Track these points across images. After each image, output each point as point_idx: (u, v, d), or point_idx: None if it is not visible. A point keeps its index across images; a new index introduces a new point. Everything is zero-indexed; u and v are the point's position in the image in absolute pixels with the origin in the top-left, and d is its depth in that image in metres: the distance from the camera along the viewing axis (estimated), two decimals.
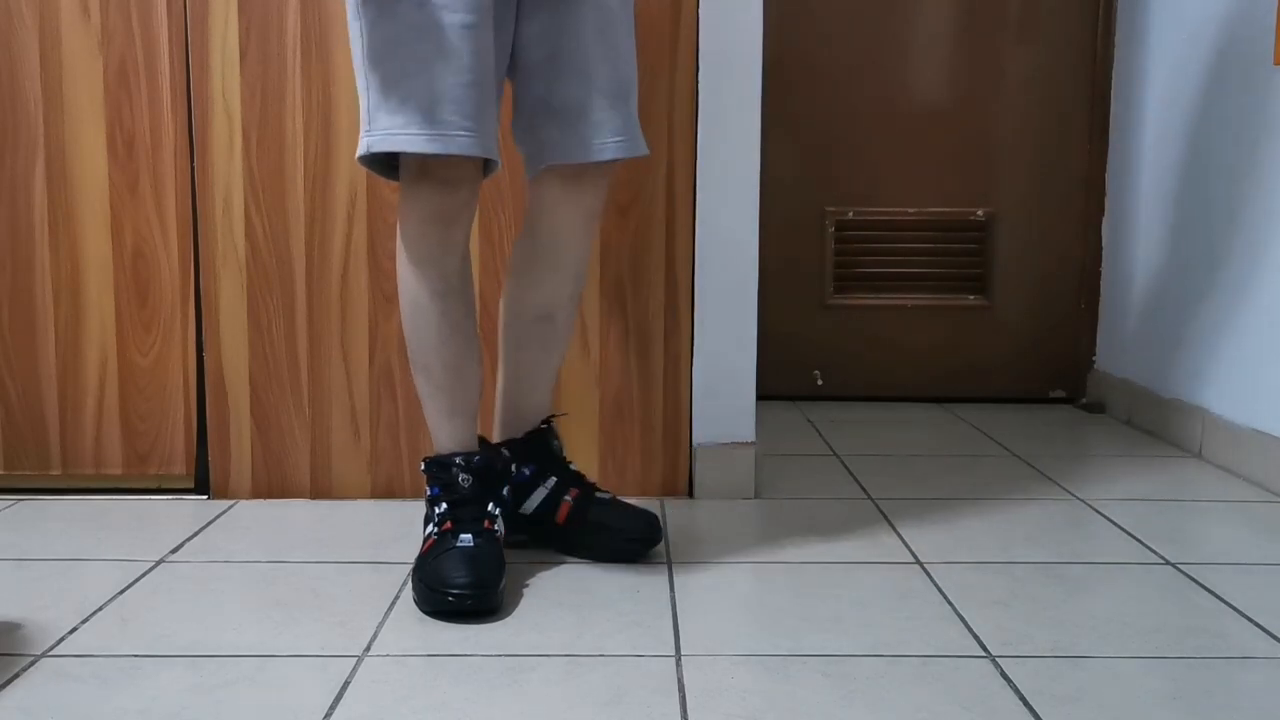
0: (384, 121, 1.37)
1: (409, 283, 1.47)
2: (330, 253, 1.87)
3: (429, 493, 1.52)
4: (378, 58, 1.36)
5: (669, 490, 1.92)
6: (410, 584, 1.47)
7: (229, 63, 1.83)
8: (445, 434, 1.52)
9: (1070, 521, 1.80)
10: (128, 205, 1.87)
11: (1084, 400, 2.79)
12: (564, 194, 1.51)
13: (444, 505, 1.48)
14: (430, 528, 1.49)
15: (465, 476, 1.48)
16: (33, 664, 1.25)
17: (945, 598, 1.46)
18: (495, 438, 1.65)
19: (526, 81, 1.49)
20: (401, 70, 1.34)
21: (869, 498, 1.94)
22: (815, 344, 2.82)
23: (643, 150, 1.53)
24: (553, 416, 1.64)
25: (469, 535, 1.43)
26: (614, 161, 1.50)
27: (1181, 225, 2.39)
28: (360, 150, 1.41)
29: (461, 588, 1.36)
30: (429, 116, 1.34)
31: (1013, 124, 2.77)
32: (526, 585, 1.50)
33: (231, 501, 1.89)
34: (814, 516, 1.82)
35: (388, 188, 1.84)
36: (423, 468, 1.53)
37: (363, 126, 1.41)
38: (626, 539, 1.58)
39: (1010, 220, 2.79)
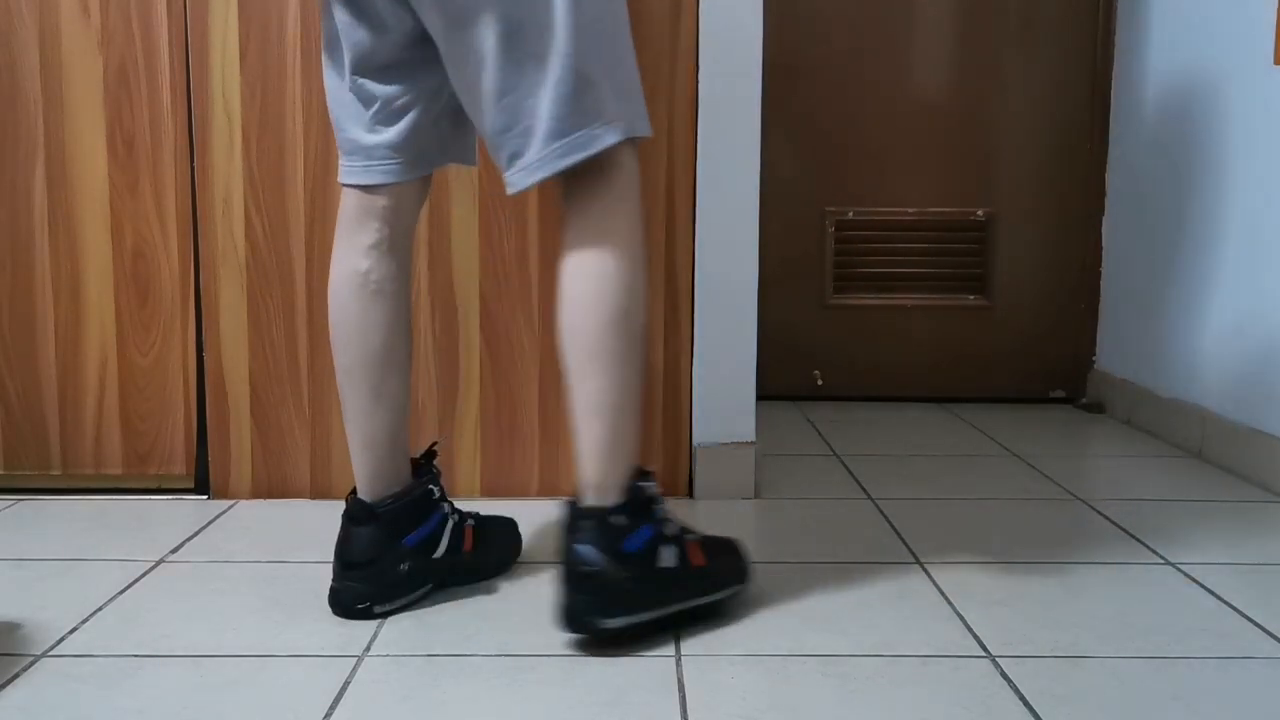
0: (620, 108, 1.28)
1: (641, 259, 1.32)
2: (330, 253, 1.86)
3: (655, 513, 1.35)
4: (610, 43, 1.28)
5: (669, 490, 1.92)
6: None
7: (229, 63, 1.83)
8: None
9: (1070, 521, 1.80)
10: (128, 205, 1.87)
11: (1084, 400, 2.79)
12: None
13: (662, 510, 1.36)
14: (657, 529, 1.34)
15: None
16: (33, 664, 1.25)
17: (945, 598, 1.46)
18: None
19: None
20: (626, 55, 1.30)
21: (869, 498, 1.94)
22: (815, 344, 2.82)
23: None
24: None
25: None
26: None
27: (1182, 225, 2.39)
28: (615, 138, 1.26)
29: None
30: (640, 99, 1.32)
31: (1013, 124, 2.77)
32: (525, 586, 1.50)
33: (231, 501, 1.89)
34: (814, 516, 1.82)
35: None
36: (645, 488, 1.36)
37: (581, 117, 1.26)
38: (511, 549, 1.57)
39: (1010, 220, 2.79)
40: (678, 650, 1.30)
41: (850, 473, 2.11)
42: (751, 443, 1.91)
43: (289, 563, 1.59)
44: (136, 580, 1.52)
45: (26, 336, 1.89)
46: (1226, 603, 1.45)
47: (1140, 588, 1.51)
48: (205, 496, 1.91)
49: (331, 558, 1.42)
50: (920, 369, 2.82)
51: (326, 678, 1.22)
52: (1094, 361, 2.80)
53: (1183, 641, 1.33)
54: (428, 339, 1.88)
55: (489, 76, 1.26)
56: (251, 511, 1.84)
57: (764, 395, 2.70)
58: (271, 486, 1.90)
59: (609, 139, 1.27)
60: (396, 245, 1.43)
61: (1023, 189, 2.78)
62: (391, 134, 1.37)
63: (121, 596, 1.46)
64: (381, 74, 1.35)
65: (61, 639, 1.32)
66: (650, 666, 1.25)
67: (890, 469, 2.14)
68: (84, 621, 1.37)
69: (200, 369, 1.89)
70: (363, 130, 1.38)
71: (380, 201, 1.40)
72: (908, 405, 2.76)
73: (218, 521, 1.78)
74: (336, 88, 1.40)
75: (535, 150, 1.27)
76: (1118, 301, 2.70)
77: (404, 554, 1.41)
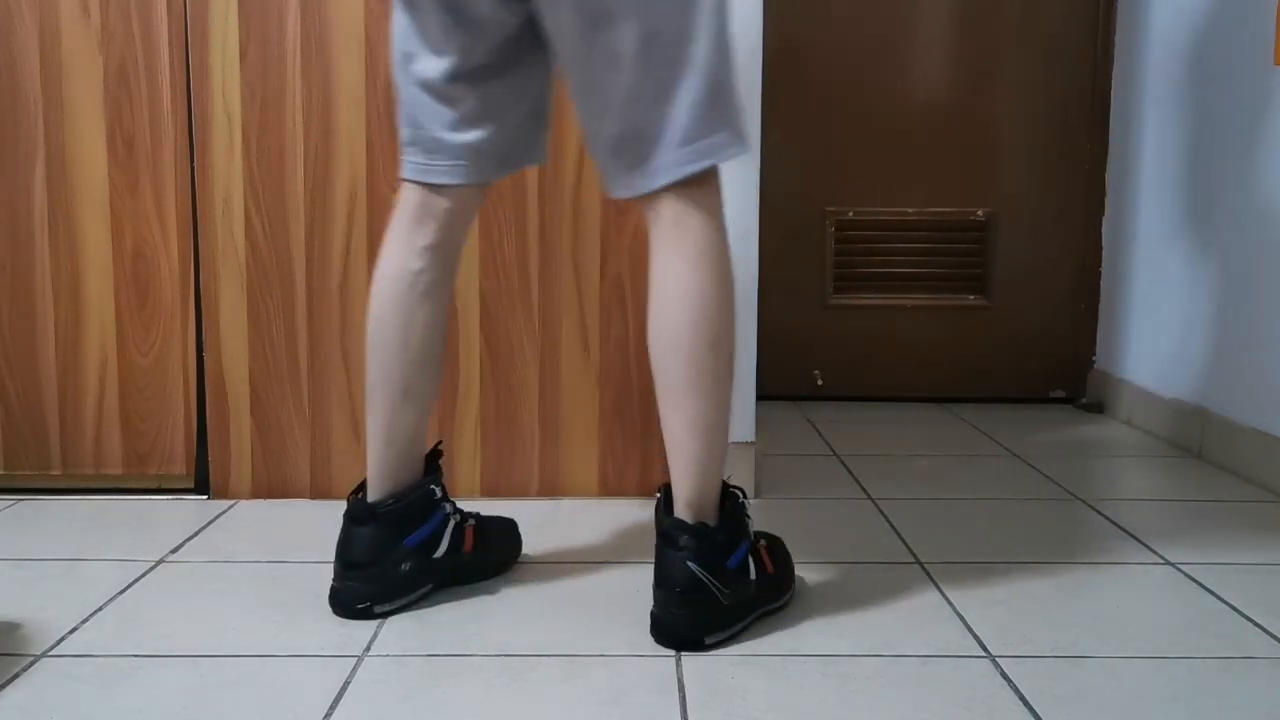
0: (741, 121, 1.31)
1: (732, 278, 1.34)
2: (330, 253, 1.87)
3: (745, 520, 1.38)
4: (732, 56, 1.30)
5: None
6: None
7: (229, 63, 1.83)
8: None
9: (1070, 521, 1.80)
10: (128, 205, 1.87)
11: (1084, 400, 2.79)
12: None
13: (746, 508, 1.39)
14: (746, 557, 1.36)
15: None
16: (33, 664, 1.25)
17: (945, 598, 1.46)
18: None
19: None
20: (734, 69, 1.32)
21: (869, 498, 1.94)
22: (815, 344, 2.82)
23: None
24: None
25: None
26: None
27: (1182, 225, 2.39)
28: (738, 149, 1.30)
29: None
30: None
31: (1013, 124, 2.77)
32: (525, 586, 1.50)
33: (231, 501, 1.89)
34: (814, 516, 1.82)
35: (387, 187, 1.85)
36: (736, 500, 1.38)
37: (712, 126, 1.28)
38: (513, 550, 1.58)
39: (1010, 220, 2.79)
40: (678, 650, 1.30)
41: (850, 473, 2.11)
42: (751, 443, 1.91)
43: (289, 563, 1.59)
44: (136, 580, 1.52)
45: (26, 336, 1.89)
46: (1226, 603, 1.45)
47: (1140, 588, 1.51)
48: (205, 496, 1.92)
49: (331, 558, 1.42)
50: (920, 369, 2.82)
51: (326, 678, 1.22)
52: (1094, 361, 2.80)
53: (1183, 641, 1.33)
54: None
55: (623, 79, 1.25)
56: (251, 511, 1.84)
57: (764, 395, 2.71)
58: (271, 486, 1.90)
59: (735, 149, 1.29)
60: (450, 251, 1.43)
61: (1023, 189, 2.78)
62: (475, 135, 1.37)
63: (121, 596, 1.46)
64: (474, 76, 1.35)
65: (61, 639, 1.32)
66: (650, 666, 1.25)
67: (890, 469, 2.14)
68: (84, 621, 1.37)
69: (200, 369, 1.89)
70: (445, 129, 1.37)
71: (443, 203, 1.40)
72: (908, 405, 2.76)
73: (218, 521, 1.78)
74: (413, 86, 1.37)
75: (666, 155, 1.27)
76: (1118, 301, 2.70)
77: (405, 554, 1.41)
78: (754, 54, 1.84)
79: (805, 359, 2.82)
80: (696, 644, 1.30)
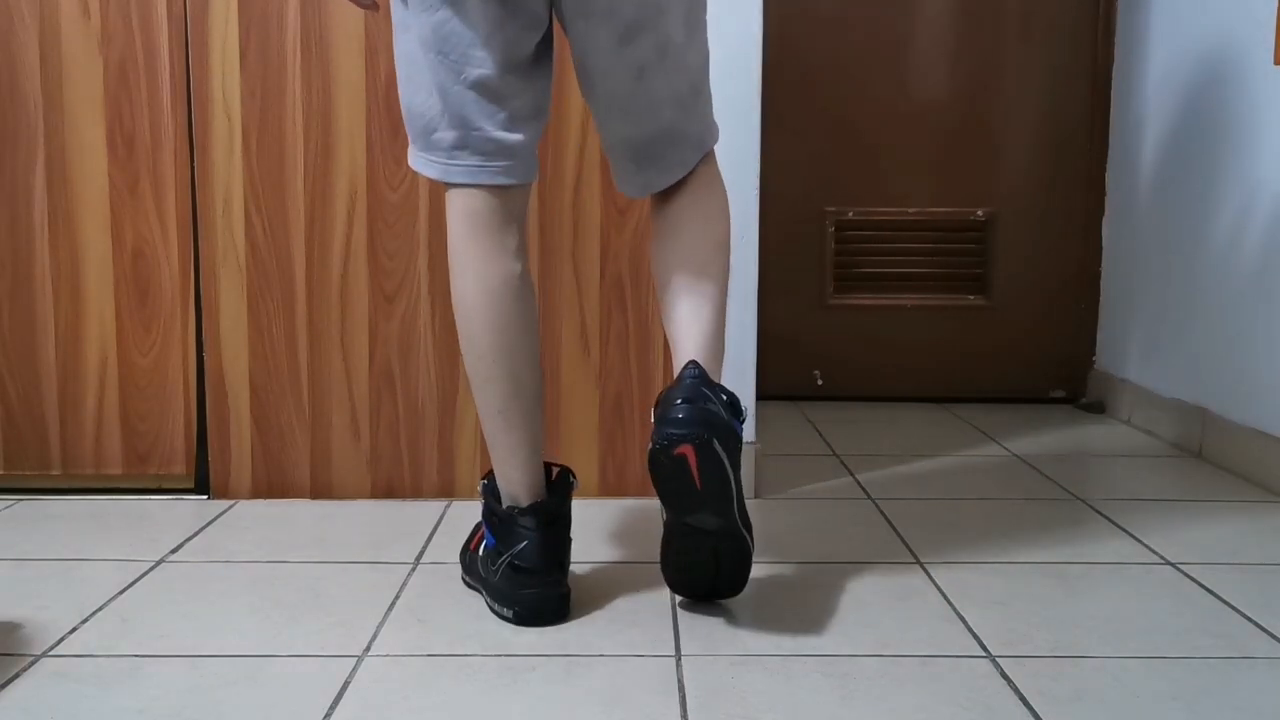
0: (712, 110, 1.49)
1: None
2: (330, 253, 1.87)
3: None
4: (708, 57, 1.47)
5: None
6: None
7: (229, 63, 1.83)
8: None
9: (1070, 521, 1.80)
10: (128, 205, 1.87)
11: (1084, 400, 2.79)
12: None
13: None
14: None
15: None
16: (33, 664, 1.25)
17: (945, 598, 1.46)
18: None
19: None
20: None
21: (869, 498, 1.94)
22: (815, 344, 2.82)
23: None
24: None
25: None
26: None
27: (1182, 225, 2.39)
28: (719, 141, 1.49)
29: None
30: None
31: (1013, 124, 2.77)
32: None
33: (231, 501, 1.89)
34: (814, 516, 1.82)
35: (387, 186, 1.85)
36: None
37: (710, 118, 1.46)
38: None
39: (1010, 220, 2.79)
40: (678, 650, 1.30)
41: (850, 473, 2.11)
42: (752, 443, 1.91)
43: (289, 563, 1.59)
44: (136, 580, 1.52)
45: (26, 336, 1.89)
46: (1226, 603, 1.45)
47: (1140, 588, 1.51)
48: (205, 496, 1.92)
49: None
50: (920, 369, 2.82)
51: (326, 678, 1.22)
52: (1094, 361, 2.80)
53: (1183, 641, 1.33)
54: (428, 339, 1.88)
55: (647, 87, 1.37)
56: (251, 511, 1.84)
57: (764, 395, 2.70)
58: (271, 486, 1.90)
59: (716, 134, 1.48)
60: (526, 247, 1.46)
61: (1023, 189, 2.78)
62: (529, 132, 1.39)
63: (121, 596, 1.46)
64: (522, 70, 1.36)
65: (61, 639, 1.32)
66: (650, 666, 1.25)
67: (890, 469, 2.14)
68: (84, 621, 1.37)
69: (200, 369, 1.89)
70: (499, 129, 1.36)
71: (518, 202, 1.41)
72: (908, 405, 2.76)
73: (218, 521, 1.78)
74: (464, 88, 1.34)
75: (681, 153, 1.42)
76: (1118, 301, 2.70)
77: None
78: (753, 54, 1.84)
79: (805, 359, 2.82)
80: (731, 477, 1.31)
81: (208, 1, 1.82)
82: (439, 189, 1.85)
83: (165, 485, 1.93)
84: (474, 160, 1.36)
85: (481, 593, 1.44)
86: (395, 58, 1.40)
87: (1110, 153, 2.74)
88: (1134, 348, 2.60)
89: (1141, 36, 2.58)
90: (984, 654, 1.29)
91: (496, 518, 1.41)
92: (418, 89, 1.37)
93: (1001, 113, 2.76)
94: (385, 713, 1.14)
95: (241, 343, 1.88)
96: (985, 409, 2.72)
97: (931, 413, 2.69)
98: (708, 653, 1.29)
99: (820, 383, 2.83)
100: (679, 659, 1.27)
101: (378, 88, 1.83)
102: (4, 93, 1.84)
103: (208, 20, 1.82)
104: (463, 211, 1.38)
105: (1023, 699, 1.18)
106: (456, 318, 1.41)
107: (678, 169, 1.42)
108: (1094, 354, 2.80)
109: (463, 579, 1.51)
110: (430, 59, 1.34)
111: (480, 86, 1.34)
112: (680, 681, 1.22)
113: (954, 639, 1.33)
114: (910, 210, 2.78)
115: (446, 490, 1.91)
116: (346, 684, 1.21)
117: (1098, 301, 2.79)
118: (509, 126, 1.36)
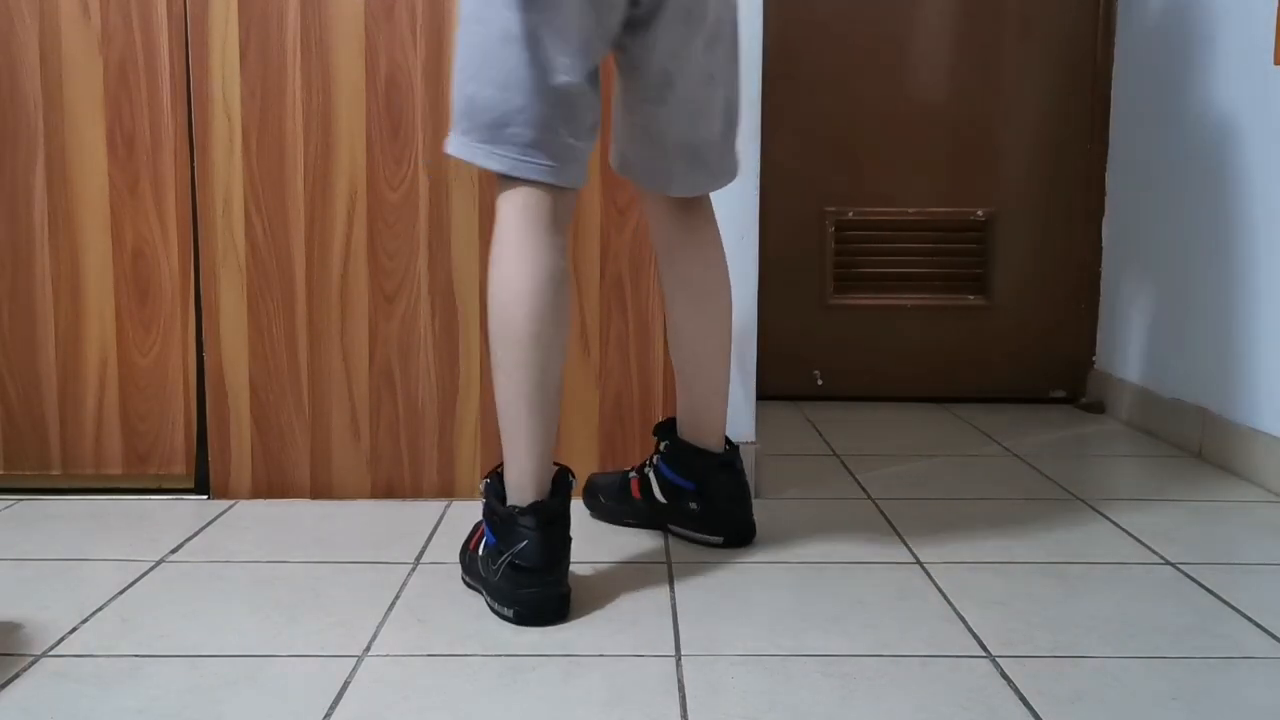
0: None
1: None
2: (330, 253, 1.87)
3: None
4: None
5: None
6: None
7: (229, 63, 1.83)
8: None
9: (1070, 521, 1.80)
10: (128, 205, 1.87)
11: (1084, 400, 2.79)
12: None
13: None
14: None
15: None
16: (33, 664, 1.25)
17: (945, 598, 1.46)
18: None
19: None
20: None
21: (869, 498, 1.94)
22: (815, 344, 2.82)
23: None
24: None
25: None
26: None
27: (1181, 225, 2.39)
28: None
29: None
30: None
31: (1013, 124, 2.77)
32: None
33: (231, 501, 1.89)
34: (814, 516, 1.82)
35: (387, 186, 1.85)
36: None
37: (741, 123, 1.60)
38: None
39: (1010, 220, 2.79)
40: (678, 650, 1.30)
41: (850, 473, 2.11)
42: (752, 443, 1.91)
43: (289, 563, 1.59)
44: (136, 580, 1.52)
45: (26, 336, 1.89)
46: (1226, 603, 1.45)
47: (1140, 588, 1.51)
48: (205, 496, 1.92)
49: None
50: (920, 369, 2.82)
51: (326, 678, 1.22)
52: (1094, 361, 2.80)
53: (1183, 641, 1.33)
54: (427, 339, 1.88)
55: (718, 93, 1.52)
56: (251, 511, 1.84)
57: (764, 395, 2.70)
58: (271, 486, 1.90)
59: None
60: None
61: (1023, 189, 2.78)
62: (593, 142, 1.46)
63: (121, 596, 1.46)
64: (594, 81, 1.42)
65: (61, 639, 1.32)
66: (650, 666, 1.25)
67: (890, 469, 2.14)
68: (84, 621, 1.37)
69: (200, 369, 1.89)
70: (574, 137, 1.40)
71: (571, 204, 1.45)
72: (908, 405, 2.76)
73: (218, 521, 1.78)
74: (551, 96, 1.36)
75: (730, 158, 1.58)
76: (1118, 301, 2.70)
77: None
78: (754, 54, 1.84)
79: (805, 359, 2.82)
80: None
81: (208, 1, 1.82)
82: (439, 189, 1.85)
83: (165, 485, 1.93)
84: (547, 160, 1.39)
85: (481, 592, 1.44)
86: (460, 47, 1.40)
87: (1110, 153, 2.74)
88: (1134, 348, 2.60)
89: (1141, 35, 2.58)
90: (984, 654, 1.29)
91: (497, 517, 1.41)
92: (488, 82, 1.37)
93: (1001, 113, 2.76)
94: (385, 713, 1.14)
95: (241, 343, 1.88)
96: (985, 409, 2.72)
97: (931, 413, 2.69)
98: (708, 653, 1.29)
99: (820, 383, 2.83)
100: (679, 659, 1.27)
101: (378, 88, 1.83)
102: (4, 93, 1.84)
103: (208, 20, 1.82)
104: (522, 206, 1.40)
105: (1023, 699, 1.18)
106: (492, 305, 1.41)
107: (723, 176, 1.57)
108: (1094, 354, 2.80)
109: (462, 579, 1.51)
110: (514, 55, 1.35)
111: (565, 92, 1.37)
112: (680, 681, 1.22)
113: (954, 639, 1.33)
114: (910, 210, 2.78)
115: (446, 490, 1.91)
116: (346, 684, 1.21)
117: (1098, 301, 2.79)
118: (582, 136, 1.41)
